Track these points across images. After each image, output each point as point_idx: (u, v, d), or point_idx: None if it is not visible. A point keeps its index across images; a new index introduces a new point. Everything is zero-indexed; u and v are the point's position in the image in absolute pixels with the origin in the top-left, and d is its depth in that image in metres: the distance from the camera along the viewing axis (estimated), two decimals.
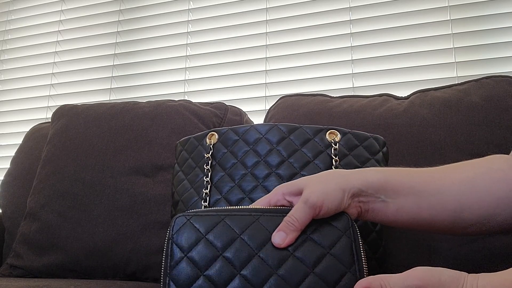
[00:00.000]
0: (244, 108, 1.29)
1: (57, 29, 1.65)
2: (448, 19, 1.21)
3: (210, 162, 0.64)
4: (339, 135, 0.63)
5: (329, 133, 0.63)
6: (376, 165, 0.63)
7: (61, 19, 1.66)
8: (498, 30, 1.16)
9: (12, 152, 1.57)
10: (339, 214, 0.46)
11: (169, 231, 0.44)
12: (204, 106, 1.04)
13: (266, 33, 1.38)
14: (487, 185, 0.48)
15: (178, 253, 0.43)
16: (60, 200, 0.94)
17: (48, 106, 1.59)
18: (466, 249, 0.74)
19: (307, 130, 0.64)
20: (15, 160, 1.17)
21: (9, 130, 1.64)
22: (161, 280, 0.43)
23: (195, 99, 1.37)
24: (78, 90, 1.56)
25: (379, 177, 0.48)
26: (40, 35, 1.68)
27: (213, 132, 0.66)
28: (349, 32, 1.30)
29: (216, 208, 0.47)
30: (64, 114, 1.08)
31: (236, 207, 0.47)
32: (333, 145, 0.62)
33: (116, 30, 1.56)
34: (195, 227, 0.44)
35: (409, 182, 0.49)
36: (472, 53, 1.18)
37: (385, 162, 0.64)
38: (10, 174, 1.16)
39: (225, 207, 0.48)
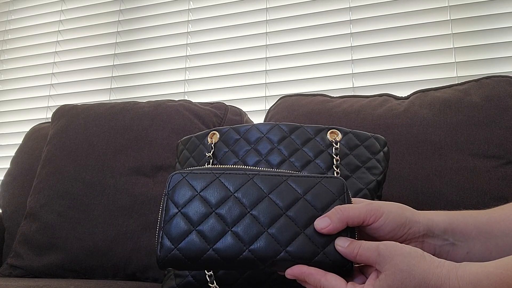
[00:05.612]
0: (244, 108, 1.29)
1: (57, 29, 1.65)
2: (448, 19, 1.21)
3: (211, 161, 0.64)
4: (340, 135, 0.63)
5: (330, 133, 0.63)
6: (377, 165, 0.63)
7: (61, 19, 1.66)
8: (498, 30, 1.16)
9: (12, 152, 1.57)
10: (335, 179, 0.46)
11: (166, 187, 0.46)
12: (204, 106, 1.04)
13: (266, 33, 1.38)
14: None
15: (172, 209, 0.44)
16: (60, 200, 0.94)
17: (48, 106, 1.58)
18: None
19: (308, 130, 0.64)
20: (15, 160, 1.17)
21: (9, 130, 1.64)
22: (156, 235, 0.43)
23: (195, 99, 1.37)
24: (78, 90, 1.56)
25: (443, 218, 0.46)
26: (40, 35, 1.68)
27: (214, 131, 0.66)
28: (349, 32, 1.30)
29: (211, 167, 0.48)
30: (64, 114, 1.08)
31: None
32: (334, 145, 0.62)
33: (116, 30, 1.56)
34: (190, 184, 0.45)
35: (475, 223, 0.46)
36: (472, 53, 1.18)
37: (386, 161, 0.64)
38: (10, 174, 1.16)
39: (220, 166, 0.48)
